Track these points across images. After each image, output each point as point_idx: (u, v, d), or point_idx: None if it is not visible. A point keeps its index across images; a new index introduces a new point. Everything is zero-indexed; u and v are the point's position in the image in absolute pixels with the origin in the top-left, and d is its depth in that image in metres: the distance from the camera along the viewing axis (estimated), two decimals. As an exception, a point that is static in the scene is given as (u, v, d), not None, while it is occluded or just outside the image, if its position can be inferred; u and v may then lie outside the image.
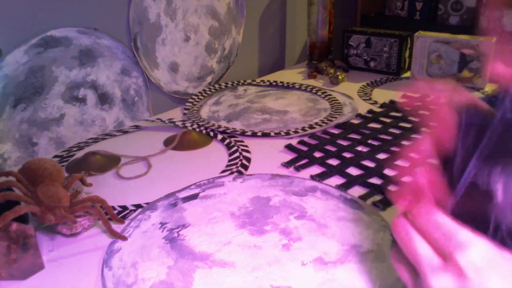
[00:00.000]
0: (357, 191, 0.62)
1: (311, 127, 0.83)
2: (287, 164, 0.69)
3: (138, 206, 0.59)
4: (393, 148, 0.74)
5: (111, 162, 0.71)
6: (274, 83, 1.11)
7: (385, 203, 0.58)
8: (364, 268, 0.47)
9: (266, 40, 1.27)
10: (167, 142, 0.79)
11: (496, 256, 0.25)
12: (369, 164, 0.69)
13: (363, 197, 0.59)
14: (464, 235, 0.26)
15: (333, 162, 0.70)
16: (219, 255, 0.49)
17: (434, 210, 0.28)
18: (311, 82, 1.13)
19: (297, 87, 1.09)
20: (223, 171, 0.68)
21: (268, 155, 0.73)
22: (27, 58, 0.71)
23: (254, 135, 0.80)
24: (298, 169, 0.68)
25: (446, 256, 0.26)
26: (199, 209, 0.58)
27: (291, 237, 0.52)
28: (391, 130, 0.81)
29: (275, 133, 0.81)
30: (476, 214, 0.27)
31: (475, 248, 0.25)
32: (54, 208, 0.48)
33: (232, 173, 0.67)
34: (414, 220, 0.29)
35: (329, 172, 0.67)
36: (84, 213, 0.53)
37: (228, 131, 0.82)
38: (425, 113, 0.30)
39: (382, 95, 1.02)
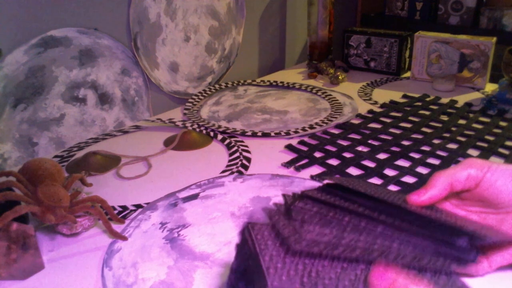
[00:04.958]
0: (357, 191, 0.62)
1: (311, 127, 0.83)
2: (287, 164, 0.69)
3: (138, 206, 0.59)
4: (393, 148, 0.74)
5: (111, 162, 0.71)
6: (274, 83, 1.11)
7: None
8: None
9: (266, 40, 1.27)
10: (167, 142, 0.79)
11: None
12: (369, 164, 0.69)
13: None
14: None
15: (333, 162, 0.70)
16: (219, 255, 0.49)
17: None
18: (311, 82, 1.13)
19: (297, 87, 1.09)
20: (223, 171, 0.68)
21: (268, 155, 0.73)
22: (27, 58, 0.71)
23: (254, 135, 0.80)
24: (298, 169, 0.68)
25: None
26: (199, 209, 0.58)
27: (291, 237, 0.52)
28: (391, 130, 0.81)
29: (275, 133, 0.81)
30: None
31: None
32: (54, 208, 0.48)
33: (232, 173, 0.67)
34: None
35: (329, 172, 0.67)
36: (84, 213, 0.53)
37: (228, 131, 0.82)
38: None
39: (382, 95, 1.02)
